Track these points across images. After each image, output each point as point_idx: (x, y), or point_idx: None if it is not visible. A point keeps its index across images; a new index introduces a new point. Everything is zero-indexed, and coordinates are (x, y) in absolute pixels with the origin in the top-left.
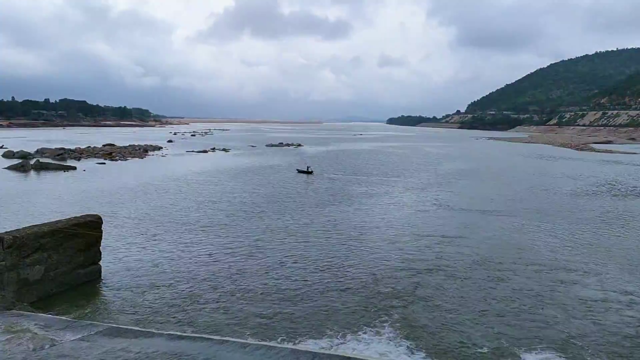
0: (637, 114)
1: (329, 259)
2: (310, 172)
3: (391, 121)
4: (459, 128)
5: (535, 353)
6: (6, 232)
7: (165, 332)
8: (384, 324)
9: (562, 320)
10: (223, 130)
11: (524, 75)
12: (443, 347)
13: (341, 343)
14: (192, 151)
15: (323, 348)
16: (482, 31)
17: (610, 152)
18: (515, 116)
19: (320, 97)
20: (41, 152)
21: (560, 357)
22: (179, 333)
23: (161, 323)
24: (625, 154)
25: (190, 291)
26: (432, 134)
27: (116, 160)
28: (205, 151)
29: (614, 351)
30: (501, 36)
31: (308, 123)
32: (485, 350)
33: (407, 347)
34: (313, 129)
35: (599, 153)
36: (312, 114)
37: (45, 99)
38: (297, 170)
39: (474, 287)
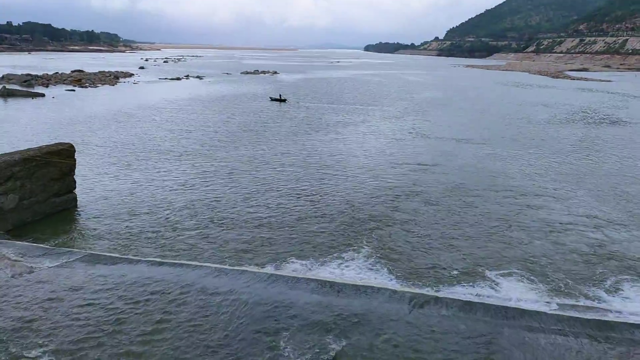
0: (614, 41)
1: (306, 187)
2: (284, 100)
3: (368, 48)
4: (437, 55)
5: (502, 273)
6: None
7: (144, 259)
8: (361, 249)
9: (527, 242)
10: (196, 56)
11: (504, 1)
12: (417, 269)
13: (319, 267)
14: (165, 78)
15: (301, 272)
16: None
17: (585, 79)
18: (494, 43)
19: (297, 23)
20: (7, 78)
21: (524, 276)
22: (158, 260)
23: (140, 250)
24: (600, 81)
25: (168, 218)
26: (410, 62)
27: (86, 87)
28: (178, 78)
29: (572, 269)
30: None
31: (284, 50)
32: (455, 272)
33: (383, 270)
34: (289, 56)
35: (574, 81)
36: (288, 41)
37: (7, 22)
38: (270, 98)
39: (448, 212)
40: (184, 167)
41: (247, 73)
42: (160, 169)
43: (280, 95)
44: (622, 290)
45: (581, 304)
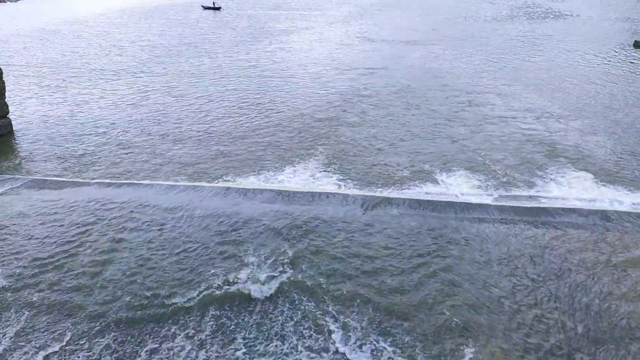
0: None
1: (253, 98)
2: (218, 8)
3: None
4: None
5: (448, 170)
6: None
7: (94, 181)
8: (313, 156)
9: (470, 138)
10: None
11: None
12: (368, 173)
13: (273, 177)
14: None
15: (255, 183)
16: None
17: None
18: None
19: None
20: None
21: (468, 171)
22: (107, 180)
23: (87, 172)
24: None
25: (114, 138)
26: None
27: (5, 2)
28: None
29: (513, 161)
30: None
31: None
32: (405, 172)
33: (336, 176)
34: None
35: None
36: None
37: None
38: (202, 6)
39: (396, 114)
40: (122, 84)
41: None
42: (98, 88)
43: (214, 3)
44: (557, 177)
45: (521, 193)
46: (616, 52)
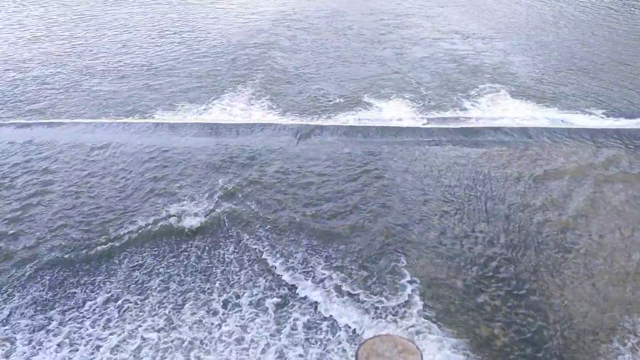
0: None
1: (178, 26)
2: None
3: None
4: None
5: (379, 95)
6: None
7: (7, 122)
8: (243, 86)
9: (399, 62)
10: None
11: None
12: (301, 101)
13: (203, 110)
14: None
15: (186, 117)
16: None
17: None
18: None
19: None
20: None
21: (399, 96)
22: (24, 121)
23: (2, 111)
24: None
25: (28, 74)
26: None
27: None
28: None
29: (441, 84)
30: None
31: None
32: (337, 100)
33: (267, 105)
34: None
35: None
36: None
37: None
38: None
39: (326, 39)
40: (29, 13)
41: None
42: (2, 20)
43: None
44: (483, 97)
45: (449, 115)
46: None
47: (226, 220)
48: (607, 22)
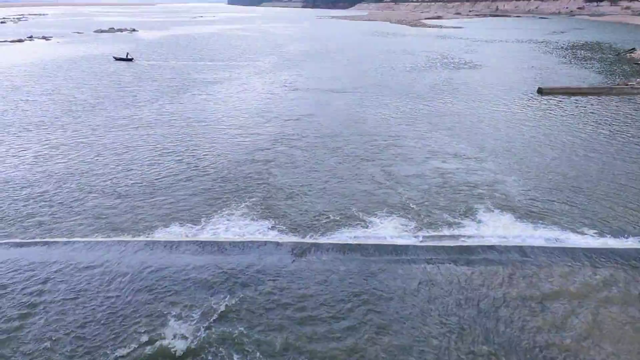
0: None
1: (176, 148)
2: (130, 60)
3: (233, 2)
4: (302, 7)
5: (374, 214)
6: None
7: (4, 241)
8: (240, 205)
9: (393, 181)
10: (41, 15)
11: None
12: (296, 219)
13: (199, 228)
14: (5, 41)
15: (180, 236)
16: None
17: (440, 27)
18: None
19: None
20: None
21: (393, 214)
22: (19, 240)
23: None
24: (453, 28)
25: (25, 195)
26: (276, 14)
27: None
28: (20, 40)
29: (434, 202)
30: None
31: (140, 5)
32: (332, 217)
33: (264, 224)
34: (147, 12)
35: (430, 29)
36: None
37: None
38: (114, 57)
39: (321, 160)
40: (35, 139)
41: (102, 32)
42: (6, 143)
43: (127, 54)
44: (477, 216)
45: (444, 233)
46: (523, 98)
47: (219, 342)
48: (598, 144)
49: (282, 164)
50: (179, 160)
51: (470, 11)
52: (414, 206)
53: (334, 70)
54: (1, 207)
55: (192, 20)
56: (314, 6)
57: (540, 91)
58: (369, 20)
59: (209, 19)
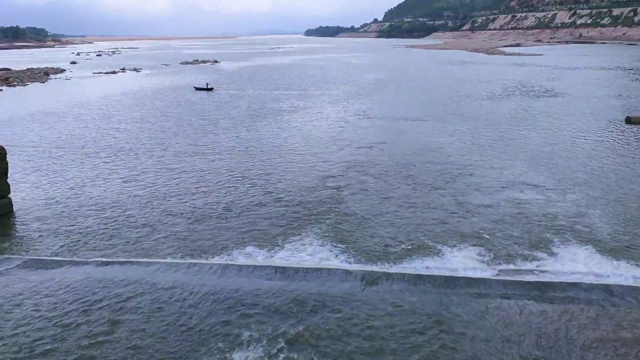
0: (544, 16)
1: (252, 174)
2: (211, 89)
3: (309, 33)
4: (377, 37)
5: (447, 244)
6: None
7: (90, 260)
8: (312, 231)
9: (469, 212)
10: (132, 48)
11: None
12: (368, 247)
13: (272, 253)
14: (100, 73)
15: (254, 260)
16: None
17: (519, 54)
18: (431, 23)
19: (236, 9)
20: None
21: (468, 245)
22: (104, 259)
23: (85, 251)
24: (532, 55)
25: (112, 217)
26: (351, 45)
27: (14, 86)
28: (114, 72)
29: (512, 235)
30: None
31: (224, 38)
32: (404, 247)
33: (335, 251)
34: (229, 44)
35: (508, 56)
36: (228, 28)
37: None
38: (195, 87)
39: (394, 188)
40: (123, 164)
41: (187, 63)
42: (99, 167)
43: (207, 84)
44: (557, 250)
45: (521, 267)
46: (609, 127)
47: None
48: None
49: (353, 190)
50: (254, 185)
51: (551, 38)
52: (488, 237)
53: (408, 98)
54: (91, 226)
55: (270, 51)
56: (389, 36)
57: (629, 120)
58: (444, 49)
59: (286, 50)
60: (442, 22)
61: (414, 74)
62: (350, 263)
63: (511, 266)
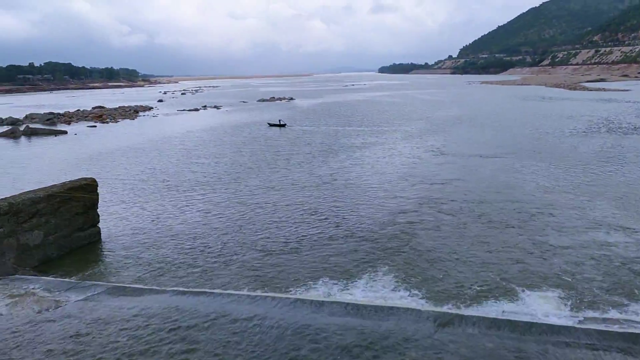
0: (631, 50)
1: (325, 209)
2: (283, 125)
3: (383, 70)
4: (451, 74)
5: (526, 287)
6: (2, 199)
7: (169, 289)
8: (384, 268)
9: (550, 254)
10: (214, 87)
11: (517, 16)
12: (441, 287)
13: (343, 289)
14: (184, 110)
15: (325, 295)
16: None
17: (604, 90)
18: (508, 59)
19: (312, 48)
20: (30, 117)
21: (549, 289)
22: (182, 289)
23: (164, 280)
24: (618, 91)
25: (191, 247)
26: (425, 81)
27: (107, 122)
28: (196, 109)
29: (597, 280)
30: None
31: (299, 76)
32: (480, 288)
33: (407, 289)
34: (304, 82)
35: (592, 92)
36: (304, 66)
37: (29, 63)
38: (269, 124)
39: (469, 227)
40: (203, 196)
41: (263, 100)
42: (180, 199)
43: (279, 121)
44: None
45: (609, 316)
46: None
47: None
48: None
49: (426, 227)
50: (325, 219)
51: (639, 73)
52: (570, 280)
53: (483, 135)
54: (170, 256)
55: (344, 89)
56: (464, 72)
57: None
58: (523, 84)
59: (359, 86)
60: (520, 57)
61: (489, 110)
62: (422, 302)
63: (597, 314)
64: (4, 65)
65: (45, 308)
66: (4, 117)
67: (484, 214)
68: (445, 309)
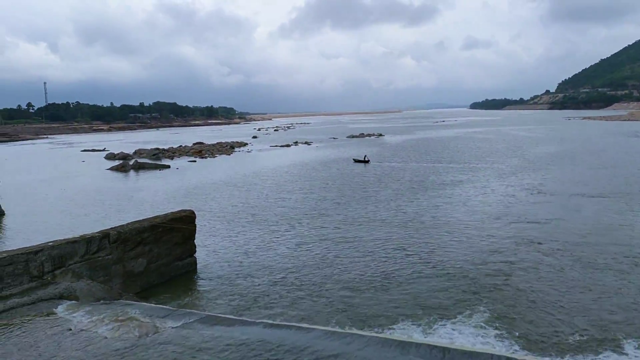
0: None
1: (414, 247)
2: (367, 162)
3: (475, 106)
4: (548, 109)
5: (635, 341)
6: (111, 228)
7: (258, 321)
8: (475, 311)
9: None
10: (305, 123)
11: (622, 48)
12: (537, 334)
13: (430, 330)
14: (276, 146)
15: (412, 336)
16: (577, 2)
17: None
18: (612, 93)
19: (402, 85)
20: (138, 152)
21: None
22: (270, 322)
23: (255, 311)
24: None
25: (282, 280)
26: (519, 117)
27: (205, 157)
28: (288, 145)
29: None
30: (598, 6)
31: (389, 112)
32: (581, 338)
33: (499, 335)
34: (394, 118)
35: None
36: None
37: (140, 103)
38: (354, 160)
39: (569, 270)
40: (294, 229)
41: (353, 137)
42: (272, 232)
43: (364, 157)
44: None
45: None
46: None
47: None
48: None
49: (521, 268)
50: (413, 256)
51: None
52: None
53: (584, 173)
54: (259, 288)
55: (434, 125)
56: (562, 107)
57: None
58: (630, 120)
59: (450, 123)
60: (626, 92)
61: (592, 147)
62: (514, 349)
63: None
64: (119, 105)
65: (145, 333)
66: (116, 152)
67: (586, 256)
68: (540, 358)
